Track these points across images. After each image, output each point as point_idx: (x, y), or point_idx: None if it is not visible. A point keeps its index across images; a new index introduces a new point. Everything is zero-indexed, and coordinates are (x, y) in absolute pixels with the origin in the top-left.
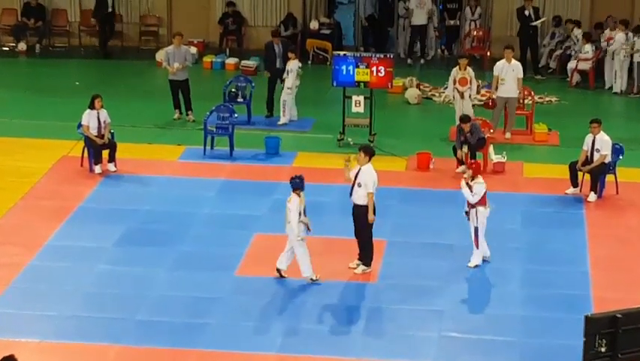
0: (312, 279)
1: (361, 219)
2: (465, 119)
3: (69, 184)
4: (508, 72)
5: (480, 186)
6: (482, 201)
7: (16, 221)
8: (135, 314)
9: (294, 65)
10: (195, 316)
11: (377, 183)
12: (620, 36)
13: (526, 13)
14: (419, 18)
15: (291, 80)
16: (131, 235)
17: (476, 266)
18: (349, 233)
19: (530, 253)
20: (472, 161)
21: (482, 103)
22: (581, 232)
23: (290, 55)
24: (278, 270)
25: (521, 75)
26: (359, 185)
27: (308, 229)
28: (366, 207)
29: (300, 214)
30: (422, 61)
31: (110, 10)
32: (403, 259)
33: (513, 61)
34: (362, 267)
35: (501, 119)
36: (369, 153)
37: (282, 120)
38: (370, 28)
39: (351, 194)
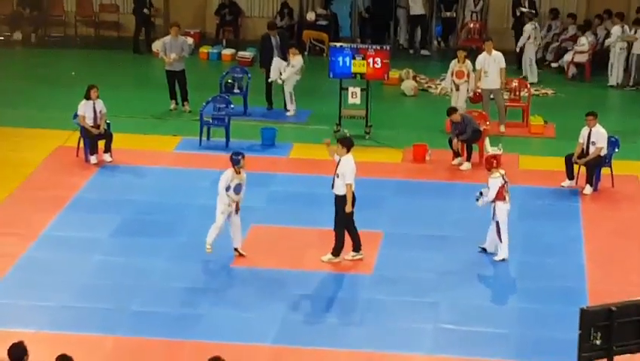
0: (208, 247)
1: (339, 209)
2: (450, 111)
3: (65, 174)
4: (491, 64)
5: (494, 180)
6: (500, 196)
7: (12, 211)
8: (130, 305)
9: (297, 61)
10: (190, 307)
11: (355, 174)
12: (616, 29)
13: (518, 11)
14: (417, 8)
15: (288, 72)
16: (127, 225)
17: (503, 260)
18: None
19: (526, 245)
20: (490, 155)
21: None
22: (577, 225)
23: (293, 50)
24: (235, 249)
25: (503, 65)
26: (338, 176)
27: (237, 208)
28: (343, 197)
29: (229, 188)
30: (427, 52)
31: (147, 11)
32: (399, 250)
33: (494, 52)
34: (329, 255)
35: (492, 111)
36: (347, 144)
37: (291, 111)
38: (368, 19)
39: (332, 185)
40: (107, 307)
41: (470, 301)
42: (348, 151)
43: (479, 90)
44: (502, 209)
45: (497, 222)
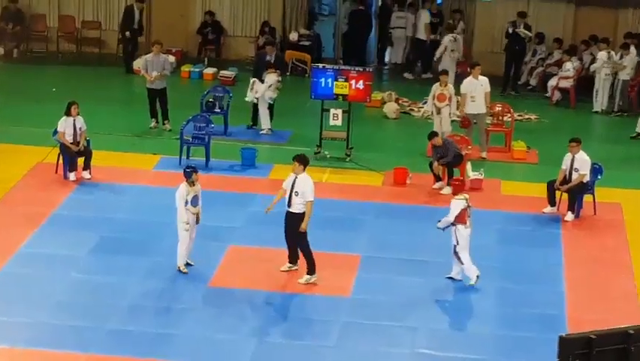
0: (179, 269)
1: (296, 227)
2: (431, 135)
3: (43, 191)
4: (477, 88)
5: (457, 202)
6: (461, 219)
7: None
8: (106, 323)
9: (271, 78)
10: (166, 326)
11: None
12: (602, 54)
13: (511, 30)
14: (421, 33)
15: (261, 89)
16: (105, 243)
17: (477, 277)
18: (325, 246)
19: (505, 271)
20: (456, 178)
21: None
22: (558, 252)
23: (269, 69)
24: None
25: (489, 89)
26: (296, 194)
27: (197, 219)
28: (302, 214)
29: (186, 202)
30: (429, 75)
31: (135, 26)
32: (378, 274)
33: (480, 77)
34: (307, 276)
35: (475, 136)
36: (304, 162)
37: (265, 129)
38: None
39: (289, 204)
40: (83, 324)
41: (448, 326)
42: (304, 169)
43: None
44: (463, 233)
45: (455, 246)
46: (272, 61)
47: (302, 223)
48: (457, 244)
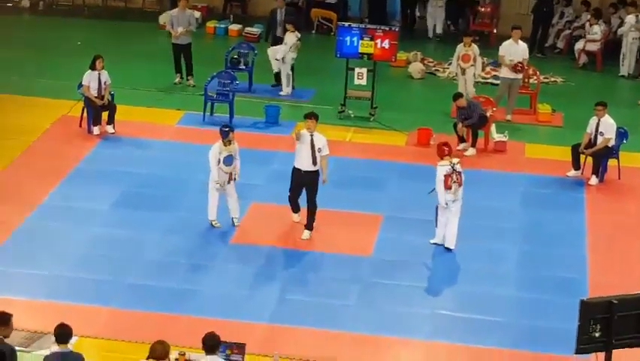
0: (211, 223)
1: (316, 184)
2: (455, 96)
3: (67, 144)
4: (518, 52)
5: (440, 168)
6: (445, 185)
7: (12, 180)
8: (127, 277)
9: (291, 38)
10: (187, 282)
11: None
12: (630, 18)
13: None
14: None
15: (282, 51)
16: (127, 198)
17: (435, 244)
18: (347, 205)
19: (528, 234)
20: (441, 142)
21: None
22: (581, 216)
23: (288, 27)
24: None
25: (527, 56)
26: (319, 150)
27: (230, 178)
28: (319, 170)
29: (219, 161)
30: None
31: None
32: (399, 234)
33: (520, 42)
34: (308, 232)
35: (503, 98)
36: (316, 117)
37: (287, 91)
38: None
39: (314, 162)
40: (103, 278)
41: (468, 288)
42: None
43: (518, 63)
44: (443, 197)
45: (437, 207)
46: (282, 17)
47: (324, 177)
48: (438, 205)
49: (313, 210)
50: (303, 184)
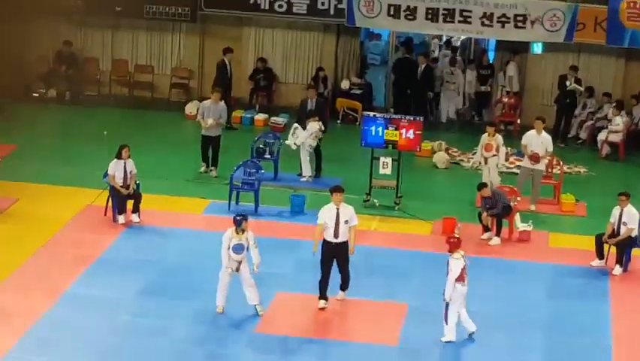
0: (218, 307)
1: (346, 254)
2: (480, 186)
3: (92, 233)
4: (537, 144)
5: (456, 261)
6: (460, 278)
7: (38, 268)
8: None
9: (312, 126)
10: None
11: None
12: None
13: (567, 83)
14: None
15: (302, 137)
16: (152, 286)
17: (449, 342)
18: (372, 294)
19: (553, 324)
20: (452, 235)
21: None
22: (605, 306)
23: (312, 118)
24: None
25: (551, 148)
26: (346, 222)
27: (239, 267)
28: (347, 242)
29: (228, 248)
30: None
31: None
32: (424, 324)
33: (543, 133)
34: (342, 293)
35: (527, 188)
36: (341, 190)
37: (306, 177)
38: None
39: (336, 234)
40: None
41: None
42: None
43: (534, 154)
44: (459, 291)
45: (447, 304)
46: (313, 107)
47: (351, 247)
48: (450, 300)
49: (345, 279)
50: (332, 256)
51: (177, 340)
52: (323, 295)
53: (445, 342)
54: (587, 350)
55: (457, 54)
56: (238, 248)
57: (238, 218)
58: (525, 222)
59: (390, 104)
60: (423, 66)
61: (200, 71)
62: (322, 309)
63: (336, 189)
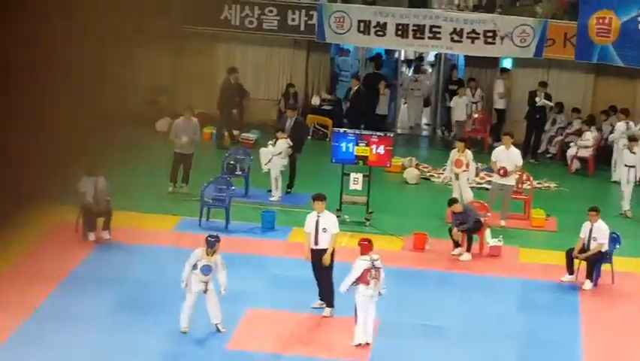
0: (182, 327)
1: (324, 264)
2: (451, 201)
3: (62, 250)
4: (506, 159)
5: (360, 262)
6: (363, 279)
7: (8, 285)
8: None
9: (280, 145)
10: None
11: None
12: (620, 125)
13: (537, 99)
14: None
15: (281, 159)
16: (123, 303)
17: (359, 345)
18: (344, 310)
19: (524, 338)
20: (364, 238)
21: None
22: (575, 320)
23: (278, 134)
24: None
25: (520, 163)
26: (324, 230)
27: (206, 288)
28: (326, 250)
29: (195, 267)
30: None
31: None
32: (396, 339)
33: (512, 148)
34: (328, 309)
35: (498, 203)
36: (325, 198)
37: (276, 195)
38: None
39: (316, 242)
40: None
41: None
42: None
43: (501, 168)
44: (363, 292)
45: (355, 305)
46: (291, 125)
47: (325, 256)
48: (356, 302)
49: (322, 288)
50: (314, 264)
51: (149, 356)
52: (327, 303)
53: (355, 345)
54: None
55: (424, 63)
56: (206, 270)
57: (211, 240)
58: (495, 237)
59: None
60: (355, 88)
61: (171, 87)
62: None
63: (317, 197)
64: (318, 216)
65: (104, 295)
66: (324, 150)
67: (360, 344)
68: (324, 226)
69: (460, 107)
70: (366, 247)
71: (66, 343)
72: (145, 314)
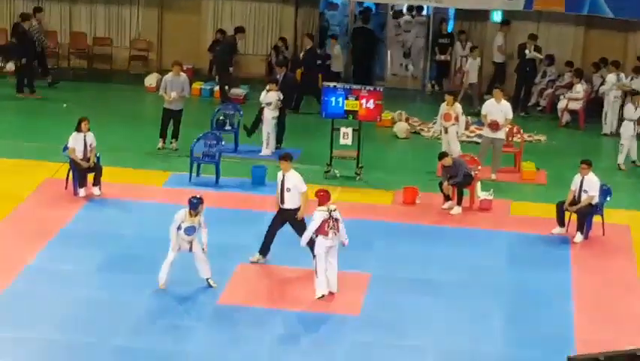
0: (160, 283)
1: (297, 221)
2: (441, 155)
3: (52, 207)
4: (497, 112)
5: (318, 213)
6: (321, 231)
7: None
8: (113, 339)
9: (271, 96)
10: (174, 343)
11: None
12: (611, 77)
13: (527, 51)
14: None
15: (271, 111)
16: (113, 260)
17: (322, 297)
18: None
19: (514, 291)
20: (321, 190)
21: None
22: (566, 273)
23: (270, 86)
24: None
25: (510, 116)
26: (288, 190)
27: (191, 247)
28: (296, 209)
29: (179, 227)
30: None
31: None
32: (386, 293)
33: (502, 101)
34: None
35: (489, 157)
36: (291, 158)
37: (266, 152)
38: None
39: (282, 201)
40: (89, 340)
41: (455, 346)
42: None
43: (493, 122)
44: (321, 244)
45: (314, 257)
46: (280, 80)
47: (299, 213)
48: (315, 254)
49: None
50: (281, 219)
51: (140, 313)
52: (260, 250)
53: (318, 298)
54: (549, 317)
55: (413, 12)
56: (190, 230)
57: (194, 201)
58: (486, 190)
59: (349, 73)
60: (307, 47)
61: (159, 42)
62: (253, 263)
63: (282, 156)
64: (284, 176)
65: (94, 251)
66: (314, 104)
67: (323, 296)
68: (287, 185)
69: (474, 68)
70: (323, 197)
71: (55, 300)
72: (135, 271)
